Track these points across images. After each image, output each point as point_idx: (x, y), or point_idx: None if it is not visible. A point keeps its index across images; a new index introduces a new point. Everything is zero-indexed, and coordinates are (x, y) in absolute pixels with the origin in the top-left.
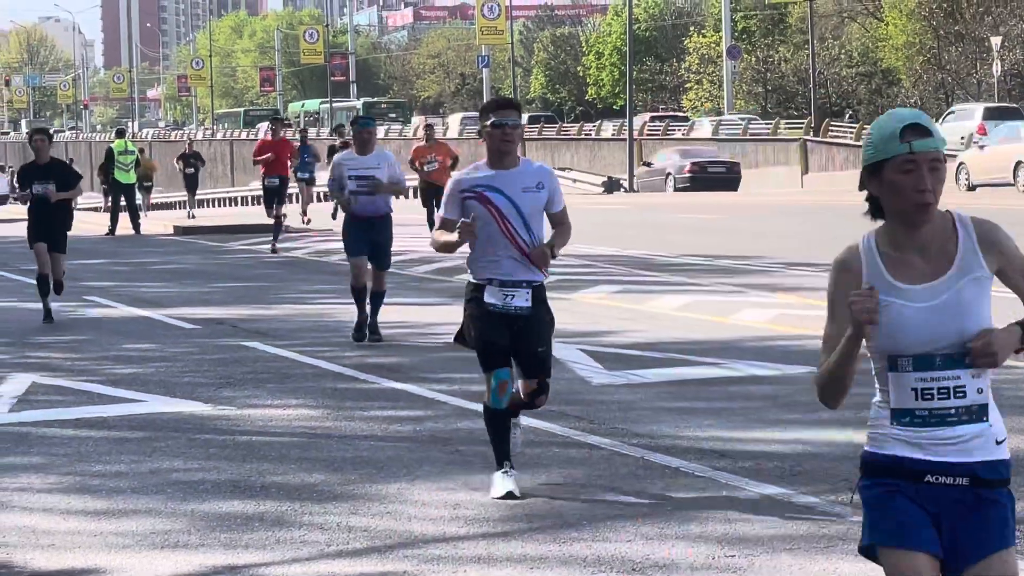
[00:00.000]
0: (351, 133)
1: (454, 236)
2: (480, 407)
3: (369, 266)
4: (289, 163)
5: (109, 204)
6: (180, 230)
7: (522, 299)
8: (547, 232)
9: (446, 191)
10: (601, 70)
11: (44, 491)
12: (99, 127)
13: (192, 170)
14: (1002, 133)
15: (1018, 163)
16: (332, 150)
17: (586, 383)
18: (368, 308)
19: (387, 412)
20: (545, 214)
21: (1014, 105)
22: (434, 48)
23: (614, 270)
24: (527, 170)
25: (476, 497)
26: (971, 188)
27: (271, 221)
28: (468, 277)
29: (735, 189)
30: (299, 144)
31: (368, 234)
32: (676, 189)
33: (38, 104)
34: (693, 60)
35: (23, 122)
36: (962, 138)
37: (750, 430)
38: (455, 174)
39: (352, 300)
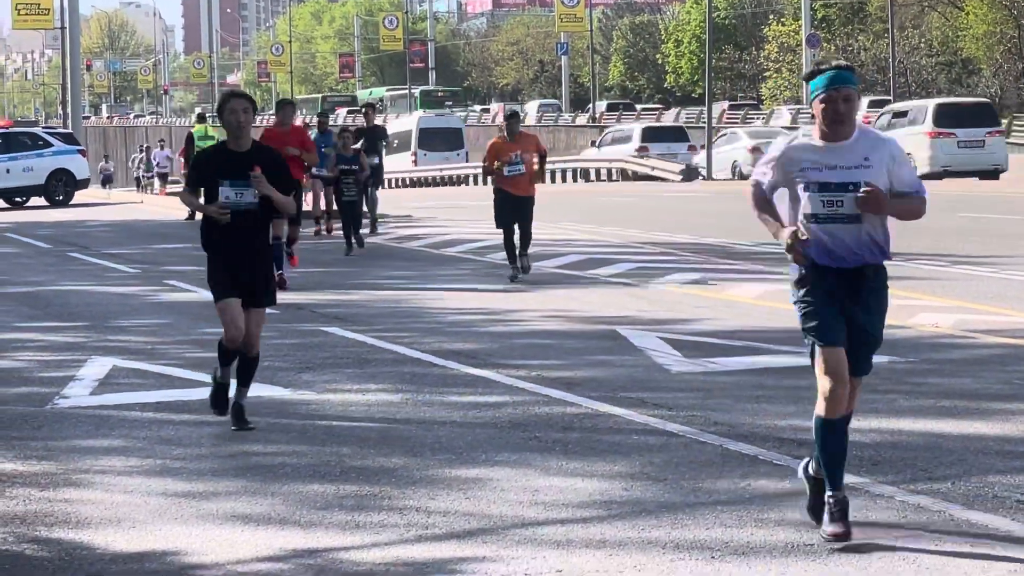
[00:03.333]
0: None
1: None
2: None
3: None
4: (304, 160)
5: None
6: None
7: None
8: None
9: None
10: (680, 58)
11: (125, 473)
12: (177, 111)
13: (376, 160)
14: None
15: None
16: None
17: (665, 371)
18: None
19: (465, 398)
20: None
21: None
22: (513, 35)
23: (692, 258)
24: None
25: (554, 483)
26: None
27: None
28: (546, 264)
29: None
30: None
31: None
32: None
33: (118, 89)
34: (772, 48)
35: (103, 107)
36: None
37: None
38: None
39: None
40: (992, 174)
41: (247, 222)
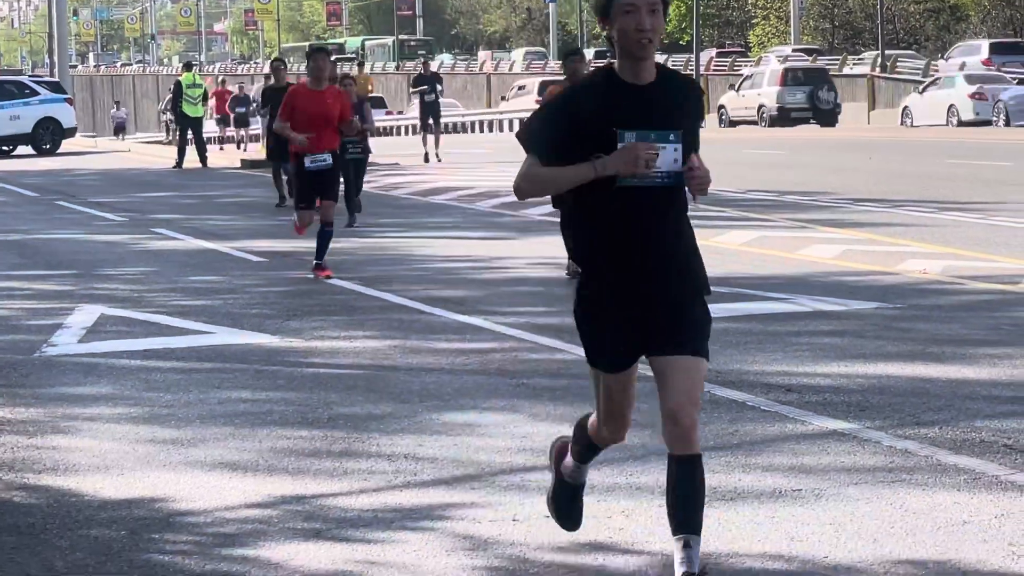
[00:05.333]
0: None
1: None
2: (548, 340)
3: None
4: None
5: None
6: (247, 163)
7: None
8: None
9: None
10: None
11: (113, 420)
12: (166, 60)
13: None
14: None
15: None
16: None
17: None
18: None
19: (454, 345)
20: None
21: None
22: None
23: None
24: None
25: (542, 428)
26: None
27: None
28: (532, 212)
29: None
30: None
31: None
32: None
33: (105, 38)
34: None
35: (90, 55)
36: None
37: (817, 365)
38: None
39: None
40: None
41: (659, 207)
